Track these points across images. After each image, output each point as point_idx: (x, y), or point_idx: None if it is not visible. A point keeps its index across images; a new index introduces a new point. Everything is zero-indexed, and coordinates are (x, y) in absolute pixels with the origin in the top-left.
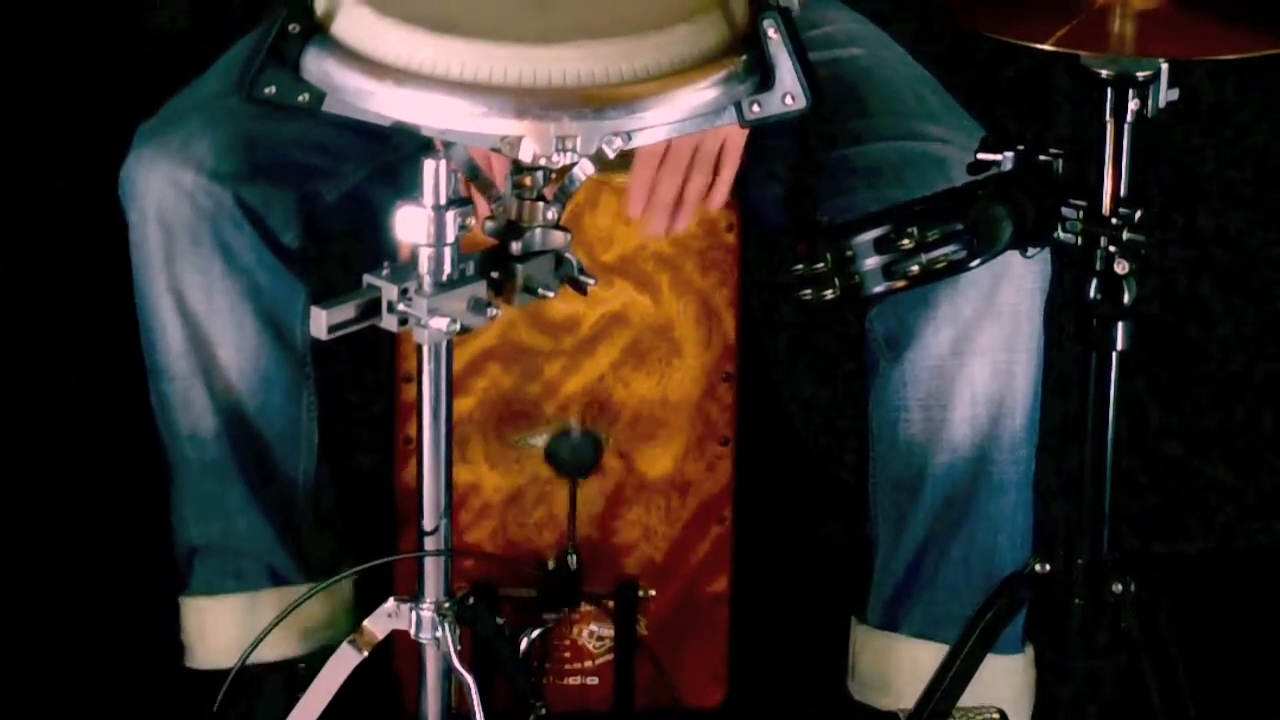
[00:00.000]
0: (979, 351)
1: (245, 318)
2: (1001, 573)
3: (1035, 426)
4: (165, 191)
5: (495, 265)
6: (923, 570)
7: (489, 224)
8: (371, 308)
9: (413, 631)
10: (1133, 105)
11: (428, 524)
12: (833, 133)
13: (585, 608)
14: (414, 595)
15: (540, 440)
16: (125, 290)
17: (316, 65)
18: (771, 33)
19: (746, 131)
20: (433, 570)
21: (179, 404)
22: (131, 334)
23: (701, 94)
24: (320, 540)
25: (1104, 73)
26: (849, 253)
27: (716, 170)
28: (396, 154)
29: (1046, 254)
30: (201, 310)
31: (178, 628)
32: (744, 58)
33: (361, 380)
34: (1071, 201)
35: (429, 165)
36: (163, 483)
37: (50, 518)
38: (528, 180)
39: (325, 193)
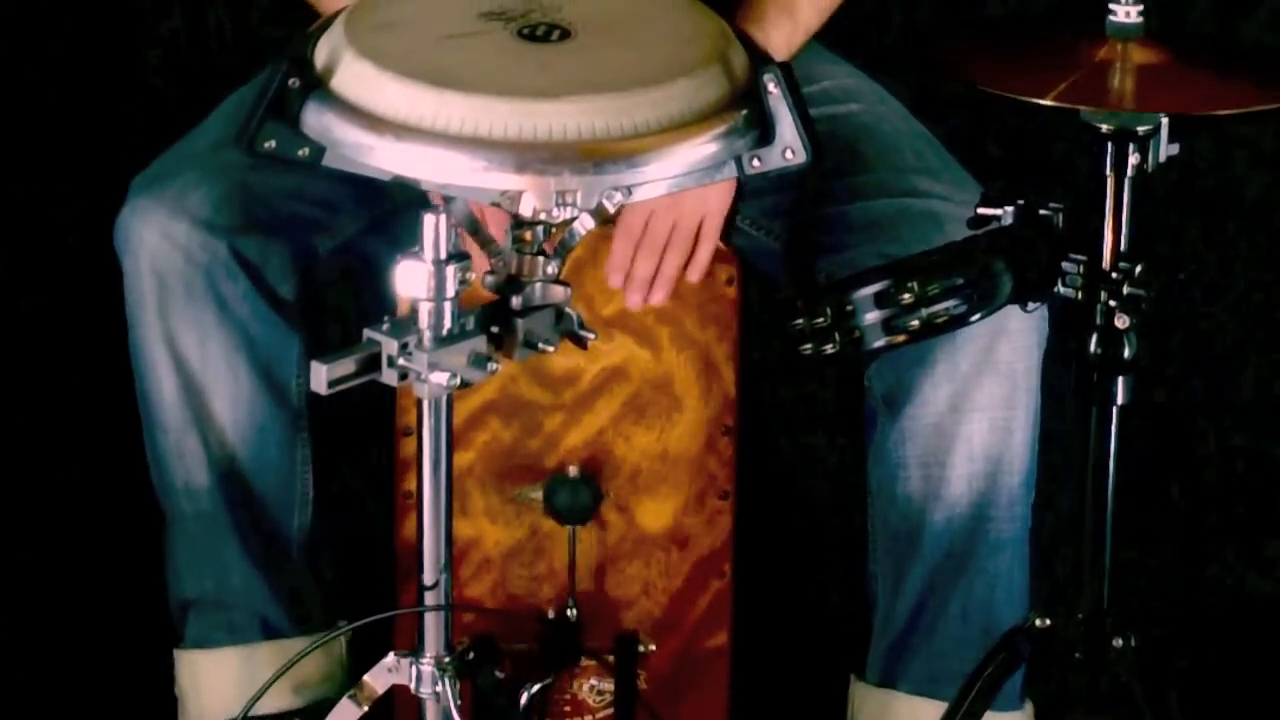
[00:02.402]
0: (977, 409)
1: (240, 369)
2: (999, 629)
3: (1032, 483)
4: (159, 243)
5: (495, 320)
6: (920, 626)
7: (489, 279)
8: (371, 362)
9: (413, 686)
10: (1133, 160)
11: (428, 578)
12: (830, 188)
13: (585, 662)
14: (414, 650)
15: (540, 494)
16: (122, 341)
17: (316, 119)
18: (772, 87)
19: (725, 210)
20: (433, 625)
21: (173, 455)
22: (129, 386)
23: (702, 148)
24: (315, 594)
25: (1104, 127)
26: (849, 307)
27: (695, 245)
28: (392, 207)
29: (1044, 311)
30: (196, 362)
31: (172, 682)
32: (744, 112)
33: (361, 434)
34: (1072, 256)
35: (429, 220)
36: (158, 536)
37: (45, 571)
38: (528, 235)
39: (320, 245)
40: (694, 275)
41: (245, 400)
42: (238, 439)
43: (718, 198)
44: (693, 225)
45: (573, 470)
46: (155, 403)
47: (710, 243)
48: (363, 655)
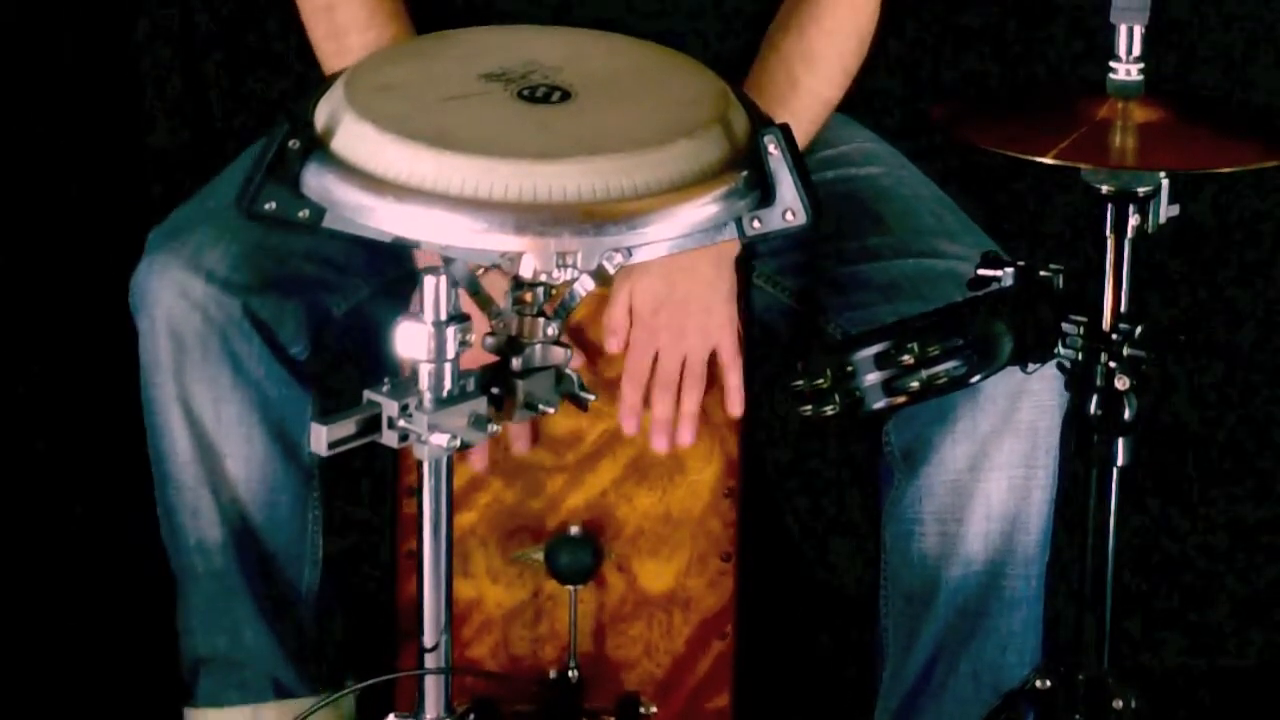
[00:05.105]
0: (996, 467)
1: (253, 429)
2: (1010, 688)
3: (1049, 542)
4: (176, 301)
5: (495, 381)
6: (931, 683)
7: (489, 340)
8: (372, 424)
9: None
10: (1133, 221)
11: (428, 640)
12: (850, 249)
13: None
14: (415, 711)
15: (542, 555)
16: (133, 398)
17: (317, 181)
18: (772, 149)
19: (735, 331)
20: (433, 687)
21: (186, 513)
22: (138, 444)
23: (702, 210)
24: (324, 653)
25: (1104, 188)
26: (849, 369)
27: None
28: (405, 270)
29: None
30: (210, 420)
31: None
32: (744, 174)
33: (367, 494)
34: (1072, 317)
35: (429, 281)
36: (167, 596)
37: (55, 631)
38: (528, 296)
39: (334, 306)
40: (734, 409)
41: (258, 460)
42: (250, 497)
43: (719, 324)
44: (703, 356)
45: (574, 530)
46: (169, 460)
47: (735, 370)
48: (371, 714)
